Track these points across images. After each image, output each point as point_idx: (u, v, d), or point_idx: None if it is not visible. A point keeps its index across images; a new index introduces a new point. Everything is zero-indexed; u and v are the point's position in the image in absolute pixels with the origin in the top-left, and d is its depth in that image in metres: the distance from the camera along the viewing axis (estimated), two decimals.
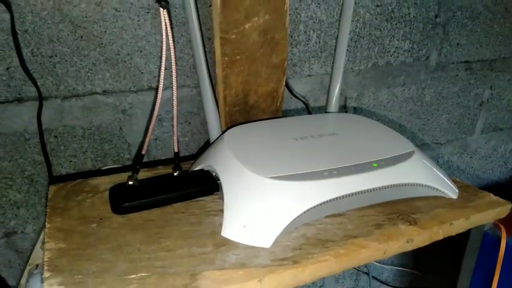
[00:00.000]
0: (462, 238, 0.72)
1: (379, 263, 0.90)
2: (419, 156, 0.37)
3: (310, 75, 0.66)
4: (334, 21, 0.64)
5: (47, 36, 0.48)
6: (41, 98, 0.49)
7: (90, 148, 0.55)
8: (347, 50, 0.67)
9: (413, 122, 0.81)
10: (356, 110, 0.73)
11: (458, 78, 0.82)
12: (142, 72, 0.54)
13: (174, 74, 0.34)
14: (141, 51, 0.53)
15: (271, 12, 0.41)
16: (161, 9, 0.31)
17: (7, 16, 0.46)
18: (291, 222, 0.30)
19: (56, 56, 0.50)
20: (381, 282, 0.95)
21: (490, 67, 0.86)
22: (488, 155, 0.96)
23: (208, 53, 0.53)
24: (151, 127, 0.38)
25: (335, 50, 0.52)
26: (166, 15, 0.31)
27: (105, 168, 0.56)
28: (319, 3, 0.62)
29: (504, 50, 0.86)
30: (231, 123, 0.45)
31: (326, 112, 0.52)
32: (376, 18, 0.68)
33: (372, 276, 0.91)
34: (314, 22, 0.63)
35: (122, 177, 0.44)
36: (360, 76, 0.71)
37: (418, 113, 0.81)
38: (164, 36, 0.32)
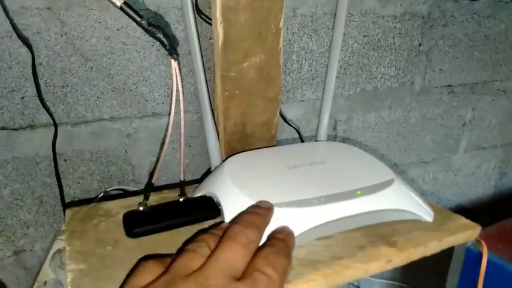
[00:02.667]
0: (449, 253, 0.76)
1: (369, 276, 0.93)
2: (399, 183, 0.42)
3: (302, 101, 0.71)
4: (324, 51, 0.69)
5: (60, 68, 0.53)
6: (56, 127, 0.53)
7: (97, 170, 0.59)
8: (337, 76, 0.72)
9: (400, 143, 0.86)
10: (345, 132, 0.78)
11: (441, 101, 0.88)
12: (147, 100, 0.59)
13: (182, 122, 0.38)
14: (146, 81, 0.58)
15: (266, 52, 0.45)
16: (172, 60, 0.36)
17: (23, 50, 0.50)
18: None
19: (68, 86, 0.54)
20: None
21: (472, 90, 0.91)
22: (472, 173, 1.02)
23: (208, 81, 0.57)
24: (161, 160, 0.42)
25: (323, 88, 0.56)
26: (177, 66, 0.35)
27: (111, 189, 0.60)
28: (310, 35, 0.67)
29: (484, 74, 0.91)
30: (230, 150, 0.49)
31: (316, 140, 0.56)
32: (364, 48, 0.74)
33: None
34: (306, 52, 0.68)
35: (130, 201, 0.48)
36: (349, 101, 0.76)
37: (404, 134, 0.86)
38: (174, 85, 0.36)
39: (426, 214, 0.42)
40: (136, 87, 0.57)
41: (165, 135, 0.43)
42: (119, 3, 0.34)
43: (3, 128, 0.52)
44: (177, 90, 0.36)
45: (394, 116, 0.83)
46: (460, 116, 0.92)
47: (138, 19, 0.34)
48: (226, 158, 0.44)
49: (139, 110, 0.59)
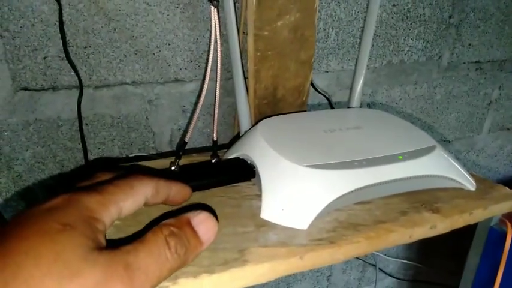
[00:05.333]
0: (466, 233, 0.75)
1: (385, 255, 0.92)
2: (441, 150, 0.40)
3: (327, 71, 0.68)
4: (352, 20, 0.66)
5: (83, 28, 0.51)
6: (81, 88, 0.51)
7: (118, 136, 0.58)
8: None
9: (423, 120, 0.84)
10: (369, 106, 0.75)
11: (468, 78, 0.85)
12: (169, 65, 0.57)
13: (219, 69, 0.36)
14: (169, 45, 0.55)
15: (302, 10, 0.43)
16: (212, 7, 0.33)
17: (45, 8, 0.48)
18: (326, 206, 0.33)
19: (90, 47, 0.52)
20: (387, 274, 0.98)
21: (500, 68, 0.88)
22: (495, 154, 0.99)
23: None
24: (195, 116, 0.40)
25: (359, 48, 0.54)
26: (216, 14, 0.33)
27: (132, 155, 0.59)
28: (338, 2, 0.64)
29: None
30: (259, 114, 0.47)
31: (348, 107, 0.54)
32: (392, 18, 0.70)
33: (378, 268, 0.94)
34: (333, 20, 0.65)
35: (161, 162, 0.46)
36: (375, 73, 0.73)
37: (428, 110, 0.83)
38: (213, 33, 0.34)
39: (469, 183, 0.40)
40: (159, 50, 0.55)
41: (202, 88, 0.41)
42: None
43: (26, 89, 0.51)
44: (215, 41, 0.33)
45: (419, 92, 0.80)
46: (486, 95, 0.89)
47: None
48: (257, 122, 0.43)
49: (161, 75, 0.57)
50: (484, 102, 0.90)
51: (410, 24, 0.73)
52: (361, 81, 0.52)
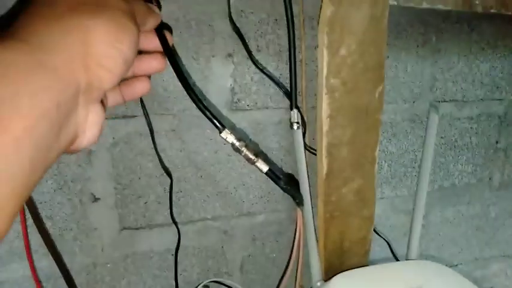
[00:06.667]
0: None
1: None
2: None
3: (382, 198, 0.75)
4: (402, 153, 0.74)
5: (176, 177, 0.62)
6: (178, 231, 0.61)
7: (197, 263, 0.66)
8: (415, 175, 0.76)
9: (480, 237, 0.85)
10: (424, 227, 0.79)
11: None
12: (243, 201, 0.66)
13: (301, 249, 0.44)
14: (244, 185, 0.65)
15: (363, 177, 0.51)
16: (298, 209, 0.42)
17: (150, 164, 0.60)
18: None
19: (181, 192, 0.63)
20: None
21: None
22: None
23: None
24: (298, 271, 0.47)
25: (414, 207, 0.60)
26: (301, 215, 0.42)
27: (207, 281, 0.66)
28: (390, 139, 0.72)
29: None
30: (328, 265, 0.53)
31: (407, 259, 0.59)
32: (441, 148, 0.77)
33: None
34: (385, 154, 0.73)
35: None
36: (427, 197, 0.78)
37: (484, 228, 0.85)
38: (298, 230, 0.43)
39: None
40: (236, 190, 0.65)
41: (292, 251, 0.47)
42: (265, 169, 0.42)
43: (128, 228, 0.61)
44: (299, 234, 0.42)
45: (473, 211, 0.83)
46: None
47: (277, 180, 0.42)
48: (328, 279, 0.49)
49: (236, 210, 0.66)
50: None
51: (458, 151, 0.79)
52: (417, 235, 0.58)
